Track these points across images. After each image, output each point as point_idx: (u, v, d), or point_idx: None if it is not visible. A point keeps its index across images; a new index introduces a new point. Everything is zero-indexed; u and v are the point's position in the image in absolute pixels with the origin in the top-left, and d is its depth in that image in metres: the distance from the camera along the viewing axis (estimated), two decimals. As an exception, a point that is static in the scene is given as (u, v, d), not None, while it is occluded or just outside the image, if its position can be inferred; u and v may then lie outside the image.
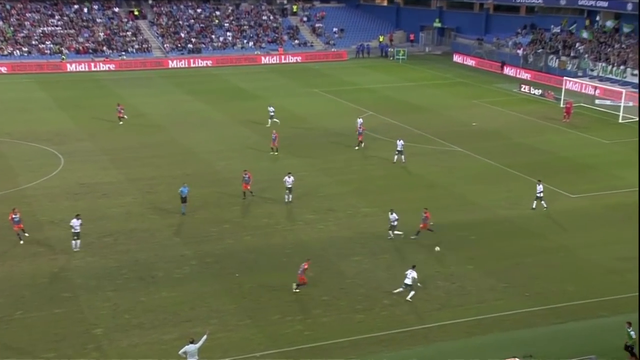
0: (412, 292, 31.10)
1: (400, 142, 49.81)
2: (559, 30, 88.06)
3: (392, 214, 37.10)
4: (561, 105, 68.08)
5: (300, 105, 68.54)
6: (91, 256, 34.99)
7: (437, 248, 32.39)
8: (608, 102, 68.89)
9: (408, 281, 31.00)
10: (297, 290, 31.32)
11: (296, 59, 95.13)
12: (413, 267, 31.48)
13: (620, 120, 63.41)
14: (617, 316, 29.49)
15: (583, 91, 73.44)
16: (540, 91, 75.16)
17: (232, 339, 27.96)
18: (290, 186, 41.75)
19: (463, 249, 36.34)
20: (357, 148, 52.32)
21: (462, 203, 42.86)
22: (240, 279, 32.89)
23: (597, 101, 69.91)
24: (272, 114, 59.80)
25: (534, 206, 41.34)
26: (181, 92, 74.51)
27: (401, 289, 31.22)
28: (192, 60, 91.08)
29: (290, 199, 41.87)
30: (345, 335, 28.32)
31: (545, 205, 41.30)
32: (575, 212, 41.73)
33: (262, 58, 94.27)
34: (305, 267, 31.47)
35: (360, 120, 55.85)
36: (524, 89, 77.11)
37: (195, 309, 30.13)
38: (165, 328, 28.60)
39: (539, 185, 41.36)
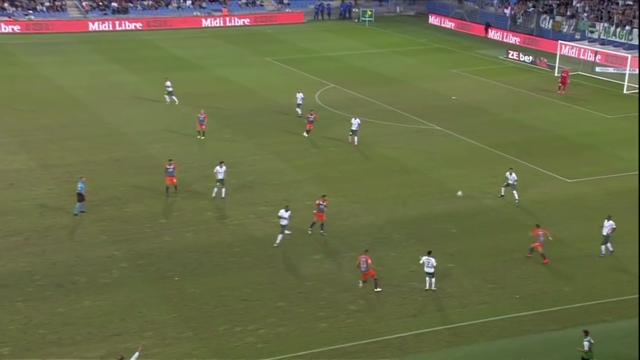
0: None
1: (356, 121, 49.65)
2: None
3: (286, 211, 36.20)
4: (555, 74, 68.96)
5: (249, 77, 68.26)
6: (-2, 259, 34.55)
7: (460, 193, 32.89)
8: (611, 70, 69.96)
9: (429, 269, 31.78)
10: (379, 289, 31.92)
11: (244, 21, 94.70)
12: (429, 253, 32.01)
13: (625, 91, 64.52)
14: (623, 320, 30.14)
15: (581, 57, 74.40)
16: (531, 58, 75.99)
17: (170, 355, 27.85)
18: (222, 177, 40.88)
19: (442, 244, 36.63)
20: (306, 135, 51.60)
21: (441, 190, 43.21)
22: (180, 283, 32.77)
23: (597, 69, 70.95)
24: (170, 89, 58.37)
25: (503, 193, 41.84)
26: (105, 61, 73.60)
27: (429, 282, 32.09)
28: (117, 23, 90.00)
29: (223, 195, 40.87)
30: (305, 348, 28.42)
31: (517, 197, 41.41)
32: (572, 200, 42.40)
33: (203, 20, 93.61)
34: (368, 260, 31.96)
35: (300, 95, 55.56)
36: (512, 55, 77.89)
37: (125, 320, 29.94)
38: (89, 344, 28.35)
39: (510, 174, 41.28)
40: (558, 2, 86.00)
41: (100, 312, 30.37)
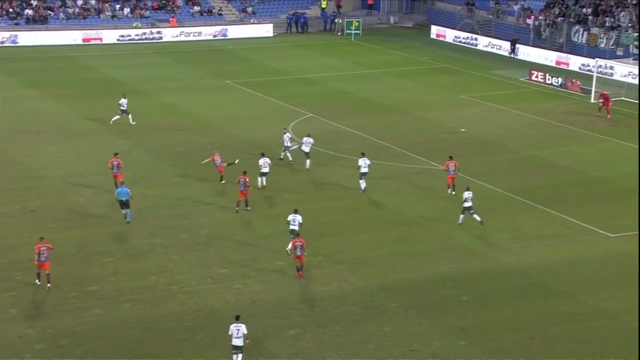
0: None
1: (287, 136, 54.21)
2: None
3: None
4: (592, 100, 69.59)
5: (204, 105, 68.49)
6: None
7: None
8: (663, 95, 70.56)
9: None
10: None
11: (198, 35, 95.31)
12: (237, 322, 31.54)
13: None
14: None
15: (624, 79, 75.10)
16: (560, 79, 76.67)
17: None
18: (266, 171, 47.33)
19: (451, 315, 36.59)
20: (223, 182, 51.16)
21: (448, 247, 43.24)
22: (114, 368, 32.54)
23: (645, 93, 71.61)
24: (124, 108, 61.05)
25: (362, 187, 49.17)
26: (19, 85, 73.68)
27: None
28: (34, 36, 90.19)
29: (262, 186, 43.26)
30: None
31: (362, 187, 48.81)
32: (615, 260, 42.36)
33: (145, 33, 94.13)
34: (247, 179, 38.08)
35: (288, 136, 55.03)
36: (536, 76, 78.59)
37: (44, 416, 29.66)
38: None
39: (362, 158, 47.69)
40: (594, 10, 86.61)
41: (11, 407, 30.09)
